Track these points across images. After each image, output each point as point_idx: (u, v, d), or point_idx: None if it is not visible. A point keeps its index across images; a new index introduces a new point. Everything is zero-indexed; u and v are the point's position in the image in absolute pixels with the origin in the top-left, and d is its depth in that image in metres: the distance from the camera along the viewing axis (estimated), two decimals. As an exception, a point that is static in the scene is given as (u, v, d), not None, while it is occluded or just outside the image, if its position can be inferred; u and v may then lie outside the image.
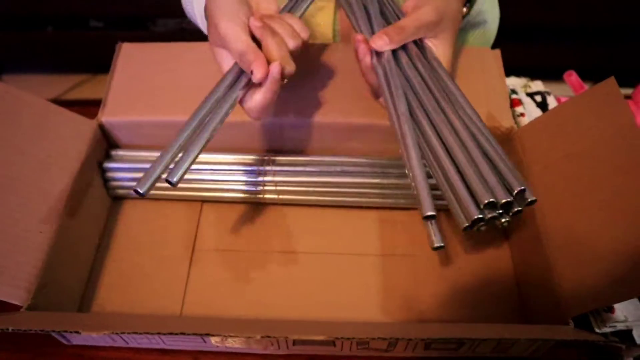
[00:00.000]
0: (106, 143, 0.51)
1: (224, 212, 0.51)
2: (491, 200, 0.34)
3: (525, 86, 0.59)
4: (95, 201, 0.49)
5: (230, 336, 0.33)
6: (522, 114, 0.55)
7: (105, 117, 0.49)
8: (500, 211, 0.35)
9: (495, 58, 0.52)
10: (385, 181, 0.49)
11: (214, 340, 0.39)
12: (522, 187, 0.34)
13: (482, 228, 0.36)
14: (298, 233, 0.50)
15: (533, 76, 0.60)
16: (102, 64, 0.59)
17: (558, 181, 0.42)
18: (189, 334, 0.33)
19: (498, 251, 0.49)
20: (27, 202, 0.41)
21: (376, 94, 0.44)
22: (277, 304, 0.46)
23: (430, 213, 0.34)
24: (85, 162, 0.46)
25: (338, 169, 0.49)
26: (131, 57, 0.53)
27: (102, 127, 0.49)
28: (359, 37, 0.42)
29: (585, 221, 0.39)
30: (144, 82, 0.51)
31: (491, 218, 0.35)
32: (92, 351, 0.44)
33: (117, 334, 0.36)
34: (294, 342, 0.41)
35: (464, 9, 0.48)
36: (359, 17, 0.45)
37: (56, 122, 0.46)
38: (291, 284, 0.47)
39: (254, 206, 0.52)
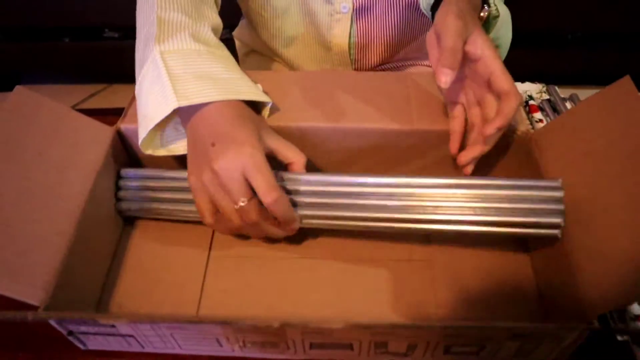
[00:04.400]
0: (124, 150, 0.52)
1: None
2: None
3: (540, 92, 0.59)
4: (112, 205, 0.50)
5: (247, 325, 0.32)
6: (540, 120, 0.55)
7: (124, 124, 0.49)
8: None
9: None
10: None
11: (229, 343, 0.39)
12: None
13: None
14: (313, 238, 0.50)
15: (549, 82, 0.60)
16: (117, 74, 0.60)
17: (576, 180, 0.41)
18: (208, 323, 0.33)
19: (516, 253, 0.48)
20: (45, 204, 0.42)
21: None
22: (293, 311, 0.45)
23: None
24: (103, 168, 0.47)
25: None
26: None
27: (120, 134, 0.50)
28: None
29: (606, 221, 0.38)
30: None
31: None
32: (108, 357, 0.44)
33: (134, 322, 0.36)
34: (311, 346, 0.40)
35: (482, 14, 0.49)
36: None
37: (75, 127, 0.47)
38: (307, 290, 0.47)
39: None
